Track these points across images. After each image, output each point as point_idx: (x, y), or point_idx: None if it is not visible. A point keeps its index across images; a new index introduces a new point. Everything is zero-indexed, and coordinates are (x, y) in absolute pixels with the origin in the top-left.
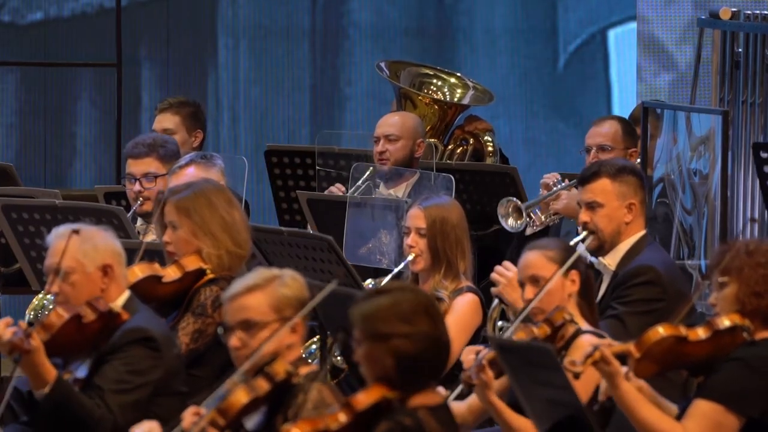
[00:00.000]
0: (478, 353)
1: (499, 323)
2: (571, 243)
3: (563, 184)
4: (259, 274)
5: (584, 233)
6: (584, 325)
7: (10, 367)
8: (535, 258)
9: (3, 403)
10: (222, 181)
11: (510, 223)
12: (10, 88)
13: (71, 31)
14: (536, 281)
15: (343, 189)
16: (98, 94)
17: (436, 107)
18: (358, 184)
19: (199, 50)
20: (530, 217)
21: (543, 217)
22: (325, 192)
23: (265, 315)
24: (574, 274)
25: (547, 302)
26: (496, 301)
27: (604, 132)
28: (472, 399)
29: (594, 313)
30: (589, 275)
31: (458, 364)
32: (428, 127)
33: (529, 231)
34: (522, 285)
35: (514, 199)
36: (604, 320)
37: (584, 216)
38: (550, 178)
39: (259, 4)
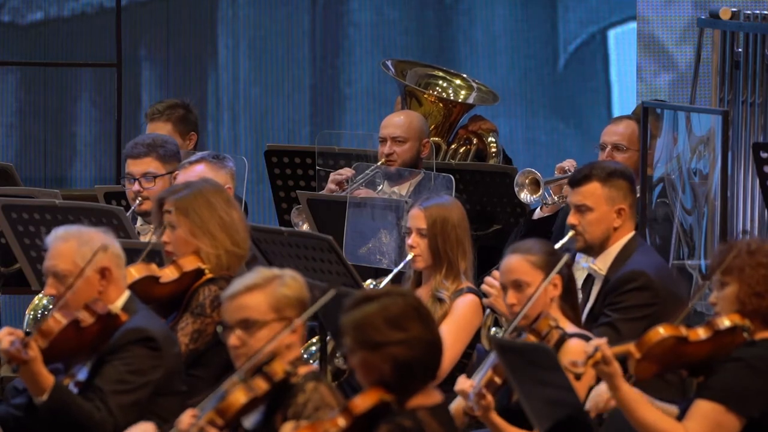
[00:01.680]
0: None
1: (493, 330)
2: (556, 246)
3: None
4: (259, 273)
5: (570, 233)
6: (569, 328)
7: (9, 369)
8: (517, 262)
9: None
10: (229, 184)
11: (523, 196)
12: (10, 88)
13: (71, 31)
14: (519, 286)
15: (352, 171)
16: (98, 94)
17: (441, 105)
18: (358, 178)
19: (199, 50)
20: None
21: (555, 197)
22: (333, 173)
23: (264, 314)
24: (557, 279)
25: (531, 308)
26: (488, 309)
27: (620, 131)
28: (458, 403)
29: (577, 313)
30: (572, 277)
31: (458, 366)
32: (433, 126)
33: (537, 215)
34: (504, 288)
35: (535, 171)
36: (597, 328)
37: (573, 218)
38: (567, 163)
39: (259, 5)
